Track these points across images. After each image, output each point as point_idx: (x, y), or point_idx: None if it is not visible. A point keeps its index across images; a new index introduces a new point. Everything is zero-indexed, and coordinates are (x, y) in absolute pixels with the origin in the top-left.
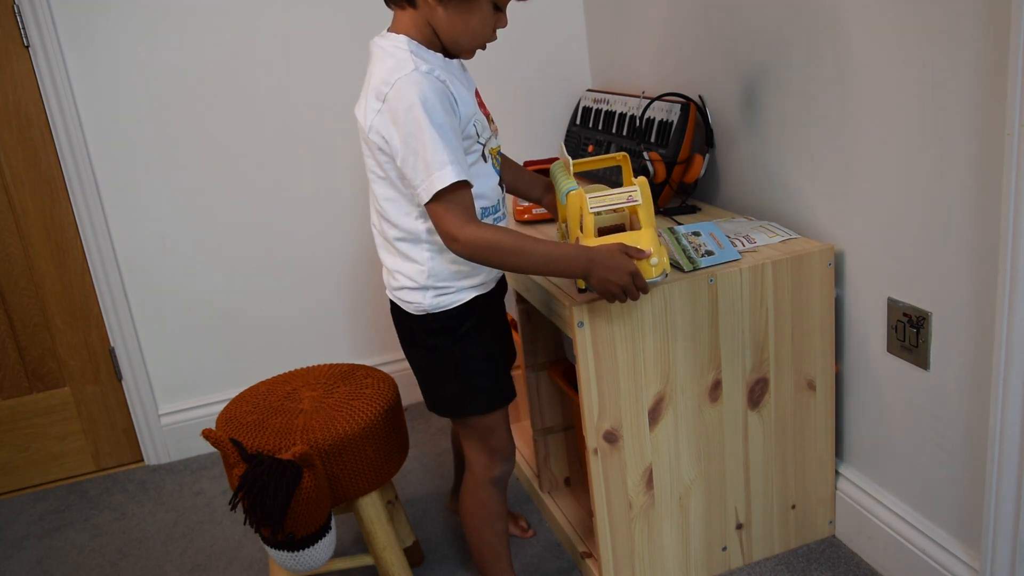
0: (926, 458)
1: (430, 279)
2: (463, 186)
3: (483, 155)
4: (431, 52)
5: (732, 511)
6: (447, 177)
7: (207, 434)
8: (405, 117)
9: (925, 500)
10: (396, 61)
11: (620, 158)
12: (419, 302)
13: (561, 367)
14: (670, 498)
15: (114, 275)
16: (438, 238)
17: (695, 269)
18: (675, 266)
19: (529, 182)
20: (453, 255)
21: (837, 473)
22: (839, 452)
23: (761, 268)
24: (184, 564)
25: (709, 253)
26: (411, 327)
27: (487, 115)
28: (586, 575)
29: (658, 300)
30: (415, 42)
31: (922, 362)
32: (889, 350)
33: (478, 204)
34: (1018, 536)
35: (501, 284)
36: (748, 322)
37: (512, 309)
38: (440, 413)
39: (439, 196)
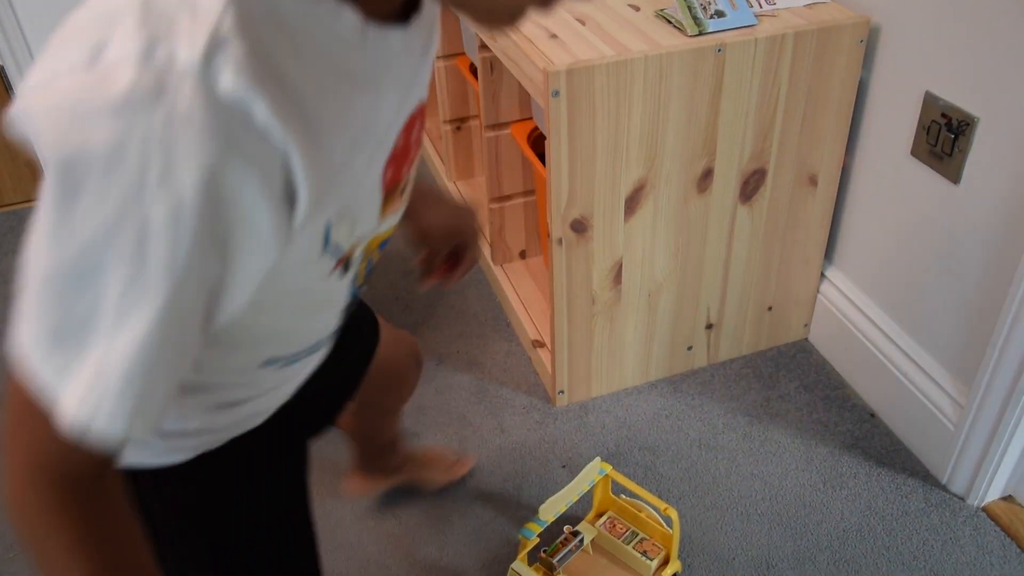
0: (933, 280)
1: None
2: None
3: (344, 263)
4: None
5: (704, 310)
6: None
7: None
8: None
9: (918, 323)
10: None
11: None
12: None
13: (527, 129)
14: (638, 295)
15: None
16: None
17: (700, 34)
18: (678, 28)
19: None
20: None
21: (823, 276)
22: (829, 254)
23: (780, 39)
24: None
25: (720, 14)
26: None
27: (397, 181)
28: (535, 363)
29: (652, 70)
30: None
31: (952, 174)
32: (914, 153)
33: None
34: (1020, 382)
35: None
36: (755, 103)
37: (474, 56)
38: None
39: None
